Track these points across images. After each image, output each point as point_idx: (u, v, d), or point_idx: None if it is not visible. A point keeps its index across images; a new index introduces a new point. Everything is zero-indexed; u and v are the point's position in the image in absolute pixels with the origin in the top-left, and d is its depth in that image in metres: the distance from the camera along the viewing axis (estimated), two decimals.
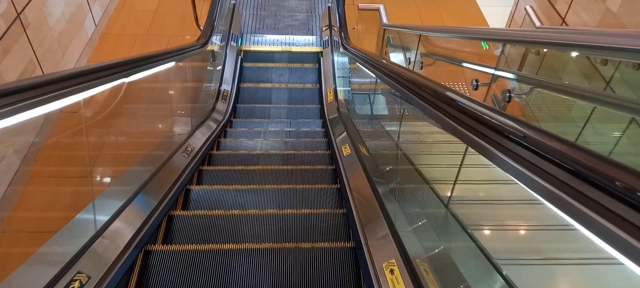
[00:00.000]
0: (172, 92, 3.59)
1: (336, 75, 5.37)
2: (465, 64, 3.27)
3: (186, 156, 3.14)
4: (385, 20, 4.55)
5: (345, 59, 5.22)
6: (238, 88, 5.43)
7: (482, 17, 6.98)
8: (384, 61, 2.45)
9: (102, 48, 6.08)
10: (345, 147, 3.47)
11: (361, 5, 4.85)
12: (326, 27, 6.23)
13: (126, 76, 2.30)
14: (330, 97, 5.12)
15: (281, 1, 7.21)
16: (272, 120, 4.97)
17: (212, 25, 4.66)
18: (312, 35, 6.59)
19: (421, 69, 3.45)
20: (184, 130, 3.56)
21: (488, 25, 6.70)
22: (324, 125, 4.71)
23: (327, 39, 6.00)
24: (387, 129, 3.02)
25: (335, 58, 5.58)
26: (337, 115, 4.48)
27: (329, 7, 6.55)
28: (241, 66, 5.84)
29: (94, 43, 6.01)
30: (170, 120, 3.49)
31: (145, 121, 3.10)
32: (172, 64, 3.13)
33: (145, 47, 6.14)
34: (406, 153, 2.59)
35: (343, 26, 4.73)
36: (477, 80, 2.49)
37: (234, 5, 6.49)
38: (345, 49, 4.35)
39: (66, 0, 5.24)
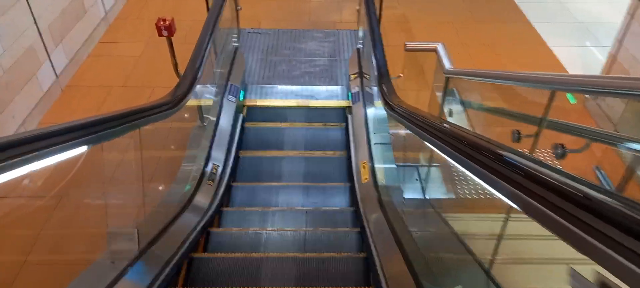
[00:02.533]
0: (99, 192, 2.07)
1: (372, 142, 3.82)
2: None
3: None
4: (448, 66, 3.03)
5: (385, 116, 3.71)
6: (236, 160, 3.90)
7: (555, 60, 5.41)
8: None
9: (65, 104, 4.68)
10: None
11: (410, 46, 3.33)
12: (355, 75, 4.73)
13: None
14: (365, 175, 3.55)
15: (297, 43, 5.79)
16: (278, 210, 3.41)
17: (194, 74, 3.20)
18: (337, 85, 5.10)
19: (563, 156, 1.86)
20: (120, 259, 2.00)
21: (566, 71, 5.13)
22: (359, 226, 3.13)
23: (358, 91, 4.49)
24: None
25: (370, 116, 4.06)
26: (379, 213, 2.89)
27: (358, 48, 5.08)
28: (242, 128, 4.35)
29: (52, 98, 4.62)
30: (85, 246, 1.95)
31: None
32: (78, 150, 1.62)
33: (119, 102, 4.72)
34: None
35: (384, 75, 3.21)
36: None
37: (236, 48, 5.08)
38: (390, 108, 2.80)
39: (5, 44, 3.87)
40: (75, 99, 4.77)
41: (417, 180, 3.78)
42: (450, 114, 3.07)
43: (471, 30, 6.07)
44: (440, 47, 3.24)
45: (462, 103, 3.03)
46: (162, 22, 3.48)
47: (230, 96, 4.34)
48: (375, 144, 3.81)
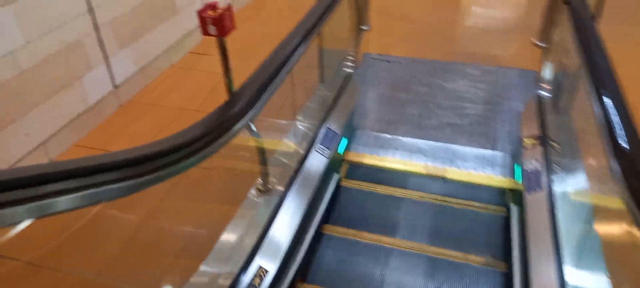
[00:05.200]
0: None
1: (569, 283, 1.91)
2: None
3: None
4: None
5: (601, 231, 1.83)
6: (305, 266, 2.28)
7: None
8: None
9: (118, 125, 3.56)
10: None
11: None
12: (533, 141, 2.82)
13: None
14: None
15: (438, 79, 4.05)
16: None
17: (250, 99, 1.74)
18: (495, 149, 3.24)
19: None
20: None
21: None
22: None
23: (536, 169, 2.59)
24: None
25: (565, 222, 2.15)
26: None
27: (538, 95, 3.16)
28: (333, 199, 2.74)
29: (102, 115, 3.52)
30: None
31: None
32: None
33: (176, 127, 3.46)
34: None
35: (637, 158, 1.35)
36: None
37: (349, 76, 3.52)
38: None
39: (28, 33, 2.81)
40: (130, 121, 3.64)
41: None
42: None
43: None
44: None
45: None
46: (208, 12, 2.04)
47: (321, 145, 2.76)
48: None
